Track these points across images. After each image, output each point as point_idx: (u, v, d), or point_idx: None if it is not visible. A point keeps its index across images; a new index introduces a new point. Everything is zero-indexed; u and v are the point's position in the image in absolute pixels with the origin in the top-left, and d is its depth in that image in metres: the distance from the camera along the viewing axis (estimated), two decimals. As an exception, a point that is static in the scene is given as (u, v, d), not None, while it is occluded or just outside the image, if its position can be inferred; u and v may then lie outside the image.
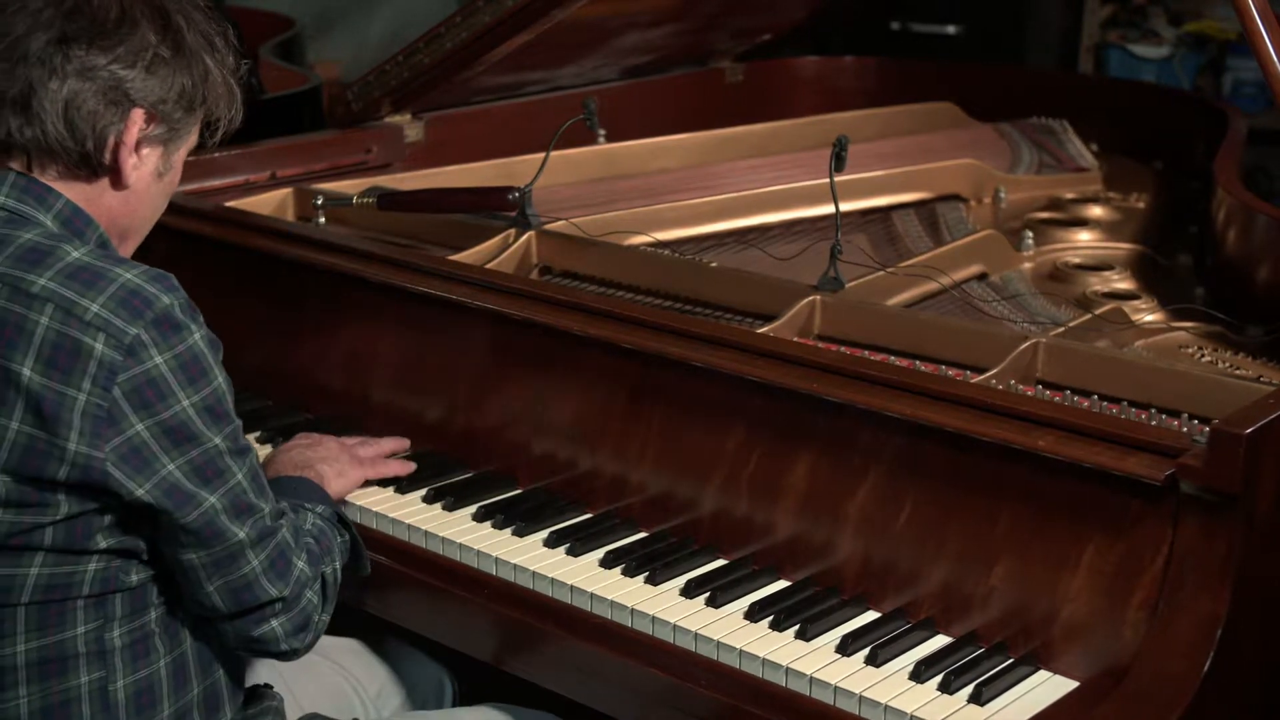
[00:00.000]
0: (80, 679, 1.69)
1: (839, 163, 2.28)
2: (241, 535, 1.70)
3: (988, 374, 2.03)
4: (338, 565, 1.90)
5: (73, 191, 1.72)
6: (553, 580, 1.96)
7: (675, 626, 1.86)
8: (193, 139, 1.81)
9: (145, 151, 1.74)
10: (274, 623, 1.77)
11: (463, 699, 2.26)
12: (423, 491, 2.18)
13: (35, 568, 1.65)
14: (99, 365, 1.59)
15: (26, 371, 1.60)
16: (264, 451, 2.26)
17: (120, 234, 1.78)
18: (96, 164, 1.71)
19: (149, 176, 1.76)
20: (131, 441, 1.61)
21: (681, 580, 1.94)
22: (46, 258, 1.64)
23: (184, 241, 2.55)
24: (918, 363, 2.11)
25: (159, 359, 1.62)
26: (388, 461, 2.23)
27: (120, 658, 1.71)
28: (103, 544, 1.66)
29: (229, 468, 1.69)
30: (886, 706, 1.70)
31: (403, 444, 2.29)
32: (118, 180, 1.74)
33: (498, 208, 2.58)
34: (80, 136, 1.69)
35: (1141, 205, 3.11)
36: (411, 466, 2.23)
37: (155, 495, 1.63)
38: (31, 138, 1.68)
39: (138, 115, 1.71)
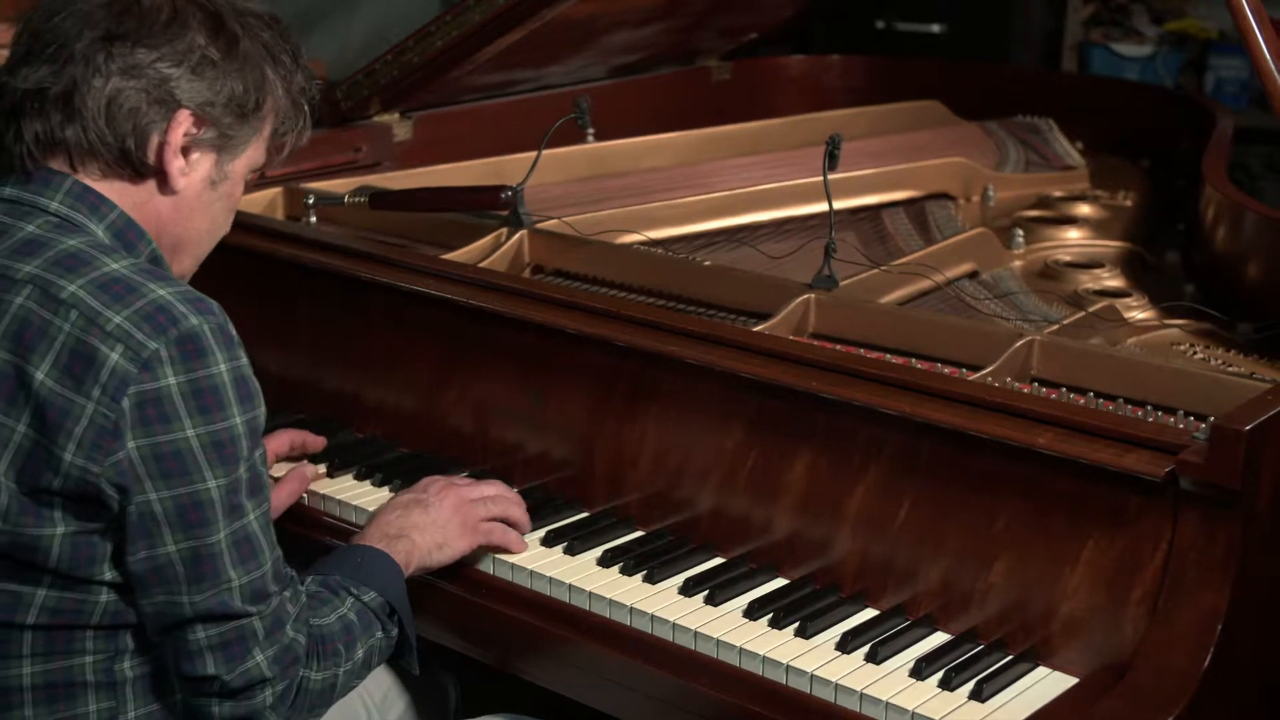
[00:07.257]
0: (89, 707, 1.65)
1: (832, 161, 2.28)
2: (186, 603, 1.59)
3: (983, 371, 2.03)
4: (341, 671, 1.74)
5: (121, 194, 1.69)
6: (550, 579, 1.96)
7: (674, 625, 1.85)
8: (254, 152, 1.77)
9: (195, 156, 1.71)
10: (213, 706, 1.64)
11: (468, 707, 2.24)
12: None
13: (43, 589, 1.61)
14: (111, 375, 1.55)
15: (40, 375, 1.56)
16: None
17: (172, 245, 1.75)
18: (139, 163, 1.68)
19: (200, 184, 1.73)
20: (128, 458, 1.55)
21: (679, 579, 1.94)
22: (83, 265, 1.61)
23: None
24: (913, 360, 2.11)
25: (173, 379, 1.56)
26: (506, 531, 2.01)
27: (131, 689, 1.67)
28: (108, 575, 1.61)
29: (214, 520, 1.59)
30: (888, 704, 1.70)
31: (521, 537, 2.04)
32: (165, 184, 1.70)
33: (490, 207, 2.57)
34: (120, 133, 1.66)
35: (1129, 203, 3.11)
36: (525, 546, 2.03)
37: (133, 517, 1.57)
38: (71, 135, 1.65)
39: (183, 116, 1.68)
